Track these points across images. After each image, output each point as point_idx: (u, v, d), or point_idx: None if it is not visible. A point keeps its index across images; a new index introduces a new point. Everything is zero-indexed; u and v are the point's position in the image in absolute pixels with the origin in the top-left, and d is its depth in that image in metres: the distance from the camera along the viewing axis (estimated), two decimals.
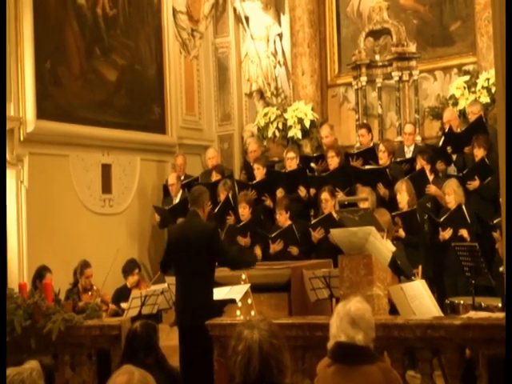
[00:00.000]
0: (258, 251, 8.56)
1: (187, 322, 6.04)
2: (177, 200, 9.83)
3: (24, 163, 8.61)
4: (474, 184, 8.12)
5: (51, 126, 8.85)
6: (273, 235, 8.50)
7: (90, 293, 8.01)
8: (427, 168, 8.52)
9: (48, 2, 8.98)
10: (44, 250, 8.45)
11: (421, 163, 8.56)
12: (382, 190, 8.53)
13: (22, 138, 8.58)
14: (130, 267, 8.36)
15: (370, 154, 9.19)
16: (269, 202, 9.28)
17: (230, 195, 9.27)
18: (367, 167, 8.94)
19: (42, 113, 8.71)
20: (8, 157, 8.42)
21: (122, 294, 7.95)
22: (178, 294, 6.21)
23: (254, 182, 9.52)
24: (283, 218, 8.57)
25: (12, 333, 6.18)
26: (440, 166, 8.68)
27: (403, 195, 7.98)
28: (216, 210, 9.09)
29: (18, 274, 8.32)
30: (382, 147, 9.04)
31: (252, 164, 9.89)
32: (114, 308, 7.83)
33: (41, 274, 7.57)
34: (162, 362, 4.90)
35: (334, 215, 8.02)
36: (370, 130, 9.72)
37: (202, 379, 5.81)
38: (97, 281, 8.13)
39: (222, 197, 9.29)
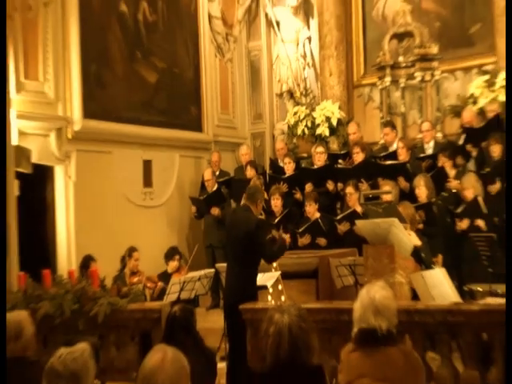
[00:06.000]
0: (288, 239, 8.46)
1: (227, 302, 6.26)
2: None
3: (72, 159, 8.74)
4: (496, 187, 7.84)
5: (97, 125, 8.98)
6: (300, 230, 8.47)
7: (138, 274, 8.11)
8: (449, 164, 8.48)
9: (92, 10, 9.10)
10: (90, 240, 8.57)
11: (442, 160, 8.53)
12: (403, 183, 8.51)
13: (69, 137, 8.70)
14: (171, 253, 8.39)
15: (395, 155, 9.10)
16: (299, 195, 9.31)
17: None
18: (388, 162, 8.92)
19: (88, 113, 8.84)
20: (57, 153, 8.58)
21: (163, 280, 8.03)
22: (226, 276, 6.39)
23: (286, 175, 9.56)
24: (312, 209, 8.58)
25: (62, 315, 6.32)
26: (459, 160, 8.66)
27: (422, 190, 7.94)
28: None
29: (67, 262, 8.47)
30: (400, 144, 9.07)
31: (283, 159, 9.92)
32: (163, 285, 7.85)
33: (86, 263, 7.72)
34: (199, 343, 4.94)
35: (358, 210, 8.04)
36: (394, 128, 9.67)
37: (237, 355, 5.96)
38: (141, 267, 8.25)
39: None
